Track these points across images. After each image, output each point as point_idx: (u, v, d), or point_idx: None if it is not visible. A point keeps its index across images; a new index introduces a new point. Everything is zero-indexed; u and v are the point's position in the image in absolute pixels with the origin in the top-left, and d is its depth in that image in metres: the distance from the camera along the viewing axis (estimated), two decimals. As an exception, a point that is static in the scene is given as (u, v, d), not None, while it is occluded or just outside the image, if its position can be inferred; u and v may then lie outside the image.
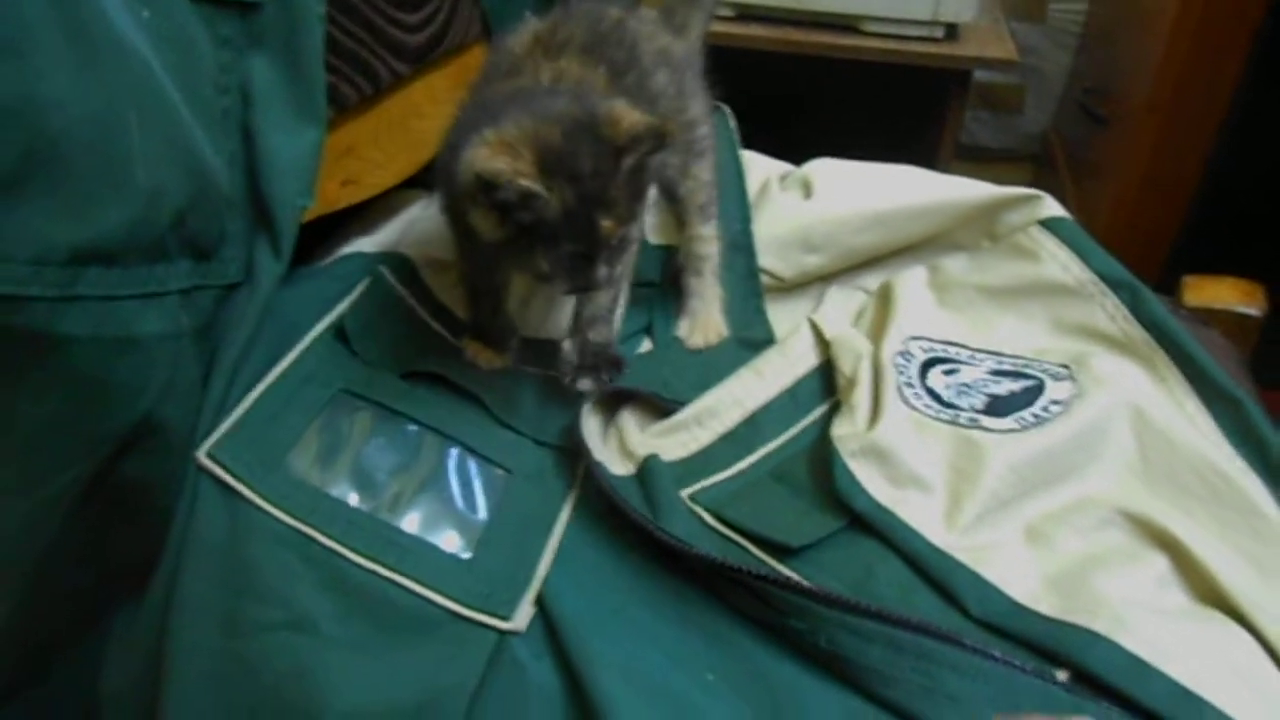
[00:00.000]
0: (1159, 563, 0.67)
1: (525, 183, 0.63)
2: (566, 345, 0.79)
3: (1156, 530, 0.68)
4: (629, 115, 0.68)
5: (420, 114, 0.90)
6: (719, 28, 1.79)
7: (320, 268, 0.85)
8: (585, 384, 0.77)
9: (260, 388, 0.71)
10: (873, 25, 1.76)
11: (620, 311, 0.86)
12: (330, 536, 0.64)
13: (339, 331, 0.78)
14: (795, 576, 0.65)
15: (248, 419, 0.69)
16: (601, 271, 0.70)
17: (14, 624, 0.67)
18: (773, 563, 0.68)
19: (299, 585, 0.63)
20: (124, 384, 0.61)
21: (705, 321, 0.88)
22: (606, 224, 0.67)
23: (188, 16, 0.65)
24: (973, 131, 2.33)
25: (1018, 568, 0.66)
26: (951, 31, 1.75)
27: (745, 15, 1.81)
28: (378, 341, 0.78)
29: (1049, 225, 0.90)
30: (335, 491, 0.68)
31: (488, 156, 0.64)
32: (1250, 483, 0.71)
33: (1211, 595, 0.64)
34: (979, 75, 2.26)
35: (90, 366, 0.59)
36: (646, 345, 0.89)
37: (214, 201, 0.67)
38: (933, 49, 1.73)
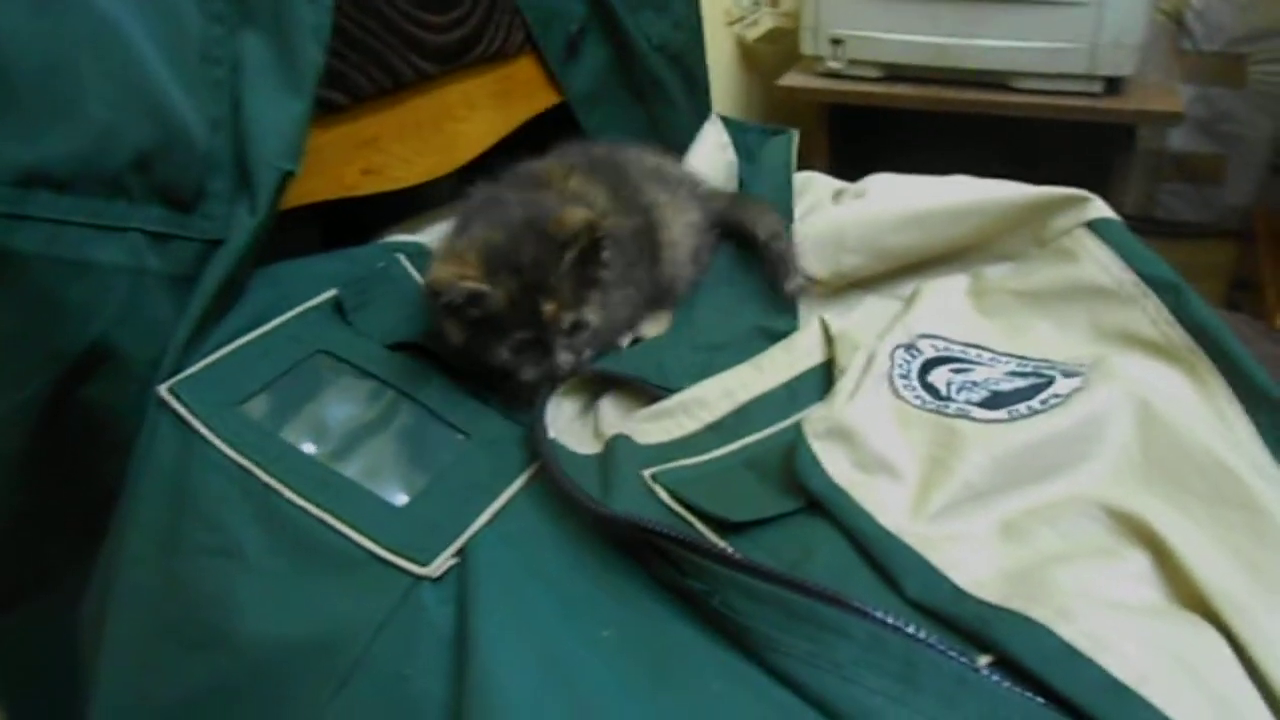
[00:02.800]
0: (1138, 560, 0.61)
1: (467, 284, 0.74)
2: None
3: (1141, 527, 0.62)
4: (572, 215, 0.77)
5: (454, 116, 0.97)
6: (865, 89, 1.81)
7: (341, 250, 0.92)
8: (565, 356, 0.80)
9: (238, 342, 0.77)
10: (1024, 81, 1.71)
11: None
12: (269, 473, 0.68)
13: (337, 304, 0.84)
14: (710, 539, 0.63)
15: (217, 364, 0.75)
16: (562, 357, 0.78)
17: (4, 533, 0.75)
18: (707, 532, 0.66)
19: (234, 515, 0.68)
20: (77, 305, 0.69)
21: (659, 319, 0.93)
22: (548, 308, 0.77)
23: None
24: (1169, 205, 2.19)
25: (974, 557, 0.62)
26: (1113, 85, 1.67)
27: (892, 76, 1.81)
28: (372, 312, 0.84)
29: (1095, 227, 0.84)
30: (287, 436, 0.72)
31: (436, 268, 0.76)
32: (1275, 489, 0.62)
33: (1193, 598, 0.57)
34: (1174, 144, 2.13)
35: (42, 284, 0.67)
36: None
37: (188, 155, 0.75)
38: (1090, 104, 1.66)
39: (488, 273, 0.75)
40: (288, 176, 0.79)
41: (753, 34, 2.05)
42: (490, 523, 0.68)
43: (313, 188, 0.83)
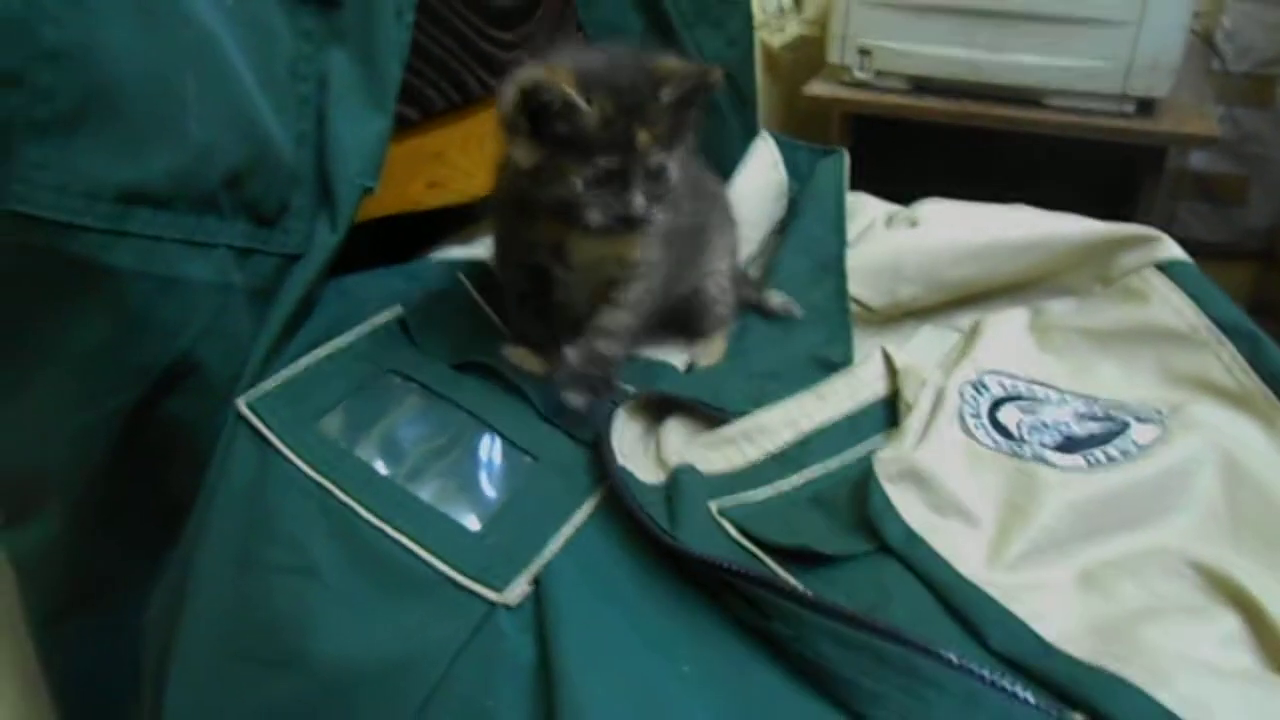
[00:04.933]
0: (1228, 621, 0.61)
1: (567, 89, 0.69)
2: (569, 351, 0.81)
3: (1232, 587, 0.62)
4: (676, 61, 0.74)
5: (516, 129, 0.95)
6: (891, 100, 1.81)
7: (401, 266, 0.92)
8: (575, 399, 0.78)
9: (311, 356, 0.77)
10: (1057, 99, 1.71)
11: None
12: (347, 493, 0.68)
13: (402, 323, 0.84)
14: (789, 580, 0.62)
15: (293, 380, 0.75)
16: (638, 200, 0.72)
17: (68, 543, 0.75)
18: (783, 574, 0.66)
19: (312, 533, 0.67)
20: (166, 320, 0.69)
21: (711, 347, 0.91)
22: (643, 136, 0.71)
23: (271, 9, 0.74)
24: (1189, 225, 2.19)
25: (1058, 609, 0.62)
26: (1146, 107, 1.67)
27: (920, 88, 1.81)
28: (437, 332, 0.84)
29: (1166, 268, 0.84)
30: (362, 455, 0.72)
31: (530, 71, 0.70)
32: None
33: (1287, 663, 0.57)
34: (1196, 164, 2.14)
35: (136, 299, 0.67)
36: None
37: (275, 171, 0.75)
38: (1123, 124, 1.66)
39: (584, 88, 0.70)
40: (367, 192, 0.78)
41: (778, 40, 2.05)
42: (563, 549, 0.68)
43: (380, 201, 0.82)
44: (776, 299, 0.95)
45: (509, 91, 0.71)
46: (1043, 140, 1.73)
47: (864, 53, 1.83)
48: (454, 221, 0.97)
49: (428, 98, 0.88)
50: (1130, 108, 1.66)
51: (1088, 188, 1.78)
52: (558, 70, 0.70)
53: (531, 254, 0.82)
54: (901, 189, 1.10)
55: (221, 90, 0.69)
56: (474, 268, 0.92)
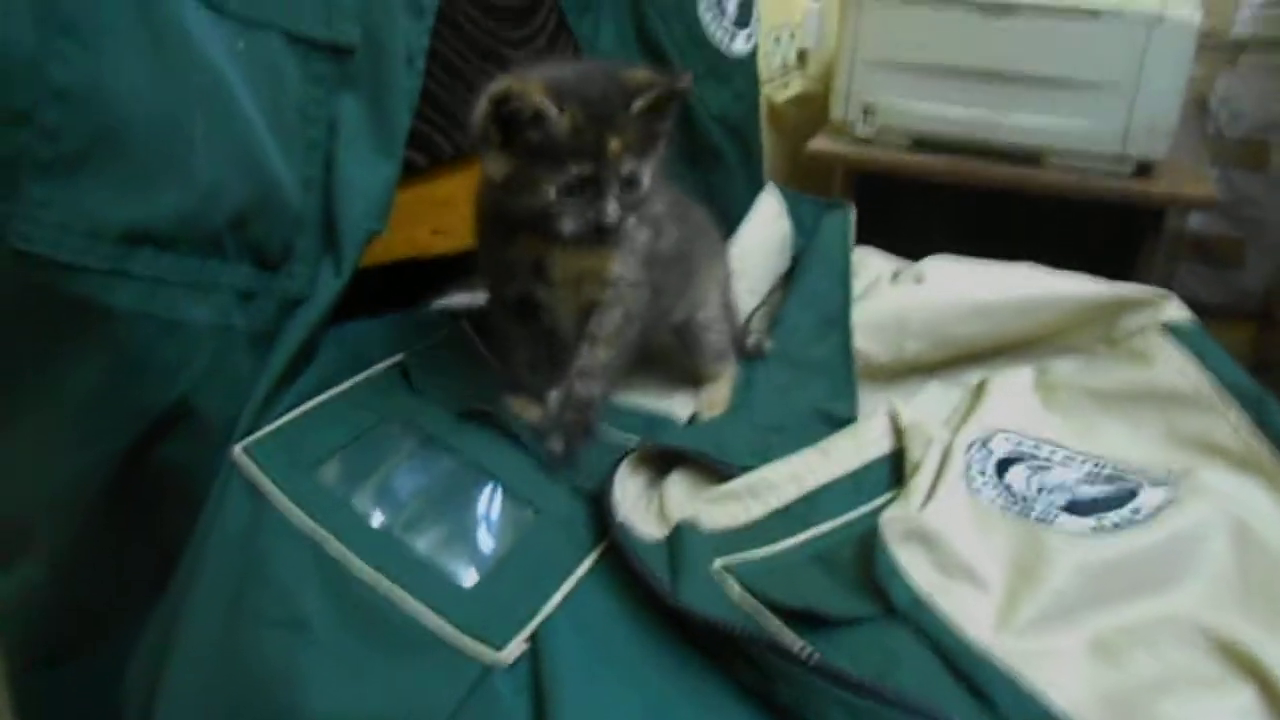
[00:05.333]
0: (1244, 694, 0.59)
1: (535, 98, 0.69)
2: (551, 395, 0.80)
3: (1245, 657, 0.60)
4: (646, 71, 0.75)
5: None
6: (893, 157, 1.82)
7: (403, 313, 0.92)
8: (555, 444, 0.78)
9: (310, 404, 0.76)
10: (1056, 159, 1.72)
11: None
12: (341, 543, 0.67)
13: (403, 370, 0.83)
14: (794, 643, 0.61)
15: (290, 426, 0.74)
16: (611, 207, 0.72)
17: (52, 590, 0.74)
18: (789, 637, 0.64)
19: (304, 585, 0.65)
20: (166, 363, 0.68)
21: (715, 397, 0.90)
22: (615, 143, 0.71)
23: (282, 53, 0.74)
24: (1188, 286, 2.20)
25: (1069, 677, 0.60)
26: (1144, 168, 1.68)
27: (922, 145, 1.82)
28: (438, 379, 0.83)
29: (1172, 330, 0.83)
30: (358, 504, 0.71)
31: (501, 82, 0.70)
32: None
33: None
34: (1194, 225, 2.15)
35: (135, 341, 0.66)
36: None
37: (280, 214, 0.74)
38: (1121, 185, 1.67)
39: (555, 96, 0.71)
40: (373, 237, 0.78)
41: (781, 96, 2.07)
42: (561, 606, 0.66)
43: (385, 247, 0.82)
44: (751, 340, 0.95)
45: (480, 103, 0.72)
46: (1043, 200, 1.74)
47: (867, 110, 1.84)
48: (459, 270, 0.96)
49: (436, 145, 0.88)
50: (1129, 169, 1.68)
51: (1087, 248, 1.78)
52: (529, 80, 0.71)
53: (514, 277, 0.81)
54: (902, 246, 1.10)
55: (229, 132, 0.69)
56: (477, 316, 0.92)
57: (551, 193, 0.73)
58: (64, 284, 0.63)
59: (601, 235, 0.75)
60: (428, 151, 0.87)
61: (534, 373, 0.84)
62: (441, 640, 0.62)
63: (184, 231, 0.67)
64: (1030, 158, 1.74)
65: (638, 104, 0.73)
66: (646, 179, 0.76)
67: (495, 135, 0.73)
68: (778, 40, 1.98)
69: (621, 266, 0.81)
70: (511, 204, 0.75)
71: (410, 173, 0.87)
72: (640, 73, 0.75)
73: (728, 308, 0.95)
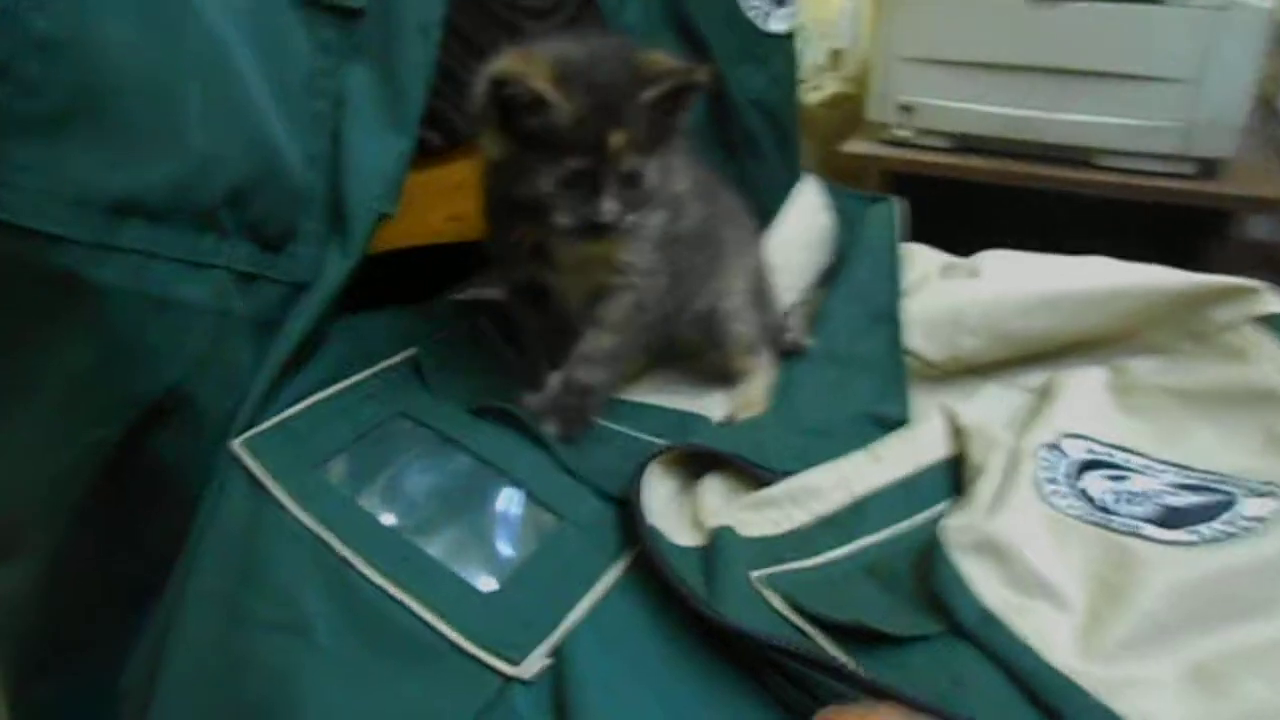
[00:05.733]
0: None
1: (536, 84, 0.64)
2: (553, 378, 0.76)
3: None
4: (664, 57, 0.68)
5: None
6: (934, 159, 1.75)
7: (418, 305, 0.87)
8: (550, 427, 0.73)
9: (316, 397, 0.71)
10: (1109, 159, 1.64)
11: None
12: (347, 544, 0.61)
13: (416, 365, 0.78)
14: (843, 659, 0.54)
15: (294, 421, 0.69)
16: (608, 206, 0.67)
17: (43, 592, 0.69)
18: (837, 654, 0.57)
19: (306, 588, 0.60)
20: (156, 347, 0.63)
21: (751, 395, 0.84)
22: (616, 138, 0.66)
23: (288, 18, 0.69)
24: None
25: (1169, 709, 0.53)
26: (1209, 168, 1.59)
27: (964, 146, 1.75)
28: (453, 374, 0.78)
29: (1272, 323, 0.75)
30: (365, 504, 0.66)
31: (503, 60, 0.65)
32: None
33: None
34: (1253, 232, 2.05)
35: (124, 321, 0.61)
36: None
37: (282, 191, 0.69)
38: (1183, 186, 1.58)
39: (559, 80, 0.65)
40: (383, 219, 0.73)
41: (815, 98, 2.01)
42: (586, 617, 0.60)
43: (397, 232, 0.77)
44: (789, 335, 0.89)
45: (480, 80, 0.66)
46: (1094, 204, 1.66)
47: (905, 109, 1.78)
48: (477, 259, 0.90)
49: (453, 124, 0.83)
50: (1190, 169, 1.59)
51: (1144, 255, 1.70)
52: (534, 60, 0.65)
53: (519, 260, 0.76)
54: (942, 251, 1.03)
55: (228, 100, 0.64)
56: (496, 309, 0.86)
57: (547, 184, 0.67)
58: (47, 257, 0.58)
59: (597, 233, 0.69)
60: (443, 131, 0.82)
61: (554, 368, 0.78)
62: (454, 651, 0.57)
63: (177, 204, 0.63)
64: (1081, 158, 1.66)
65: (648, 94, 0.67)
66: (653, 176, 0.70)
67: (494, 115, 0.67)
68: (810, 40, 1.92)
69: (631, 253, 0.75)
70: (506, 188, 0.70)
71: (425, 153, 0.82)
72: (659, 59, 0.69)
73: (760, 297, 0.89)
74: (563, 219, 0.68)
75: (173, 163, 0.62)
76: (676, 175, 0.75)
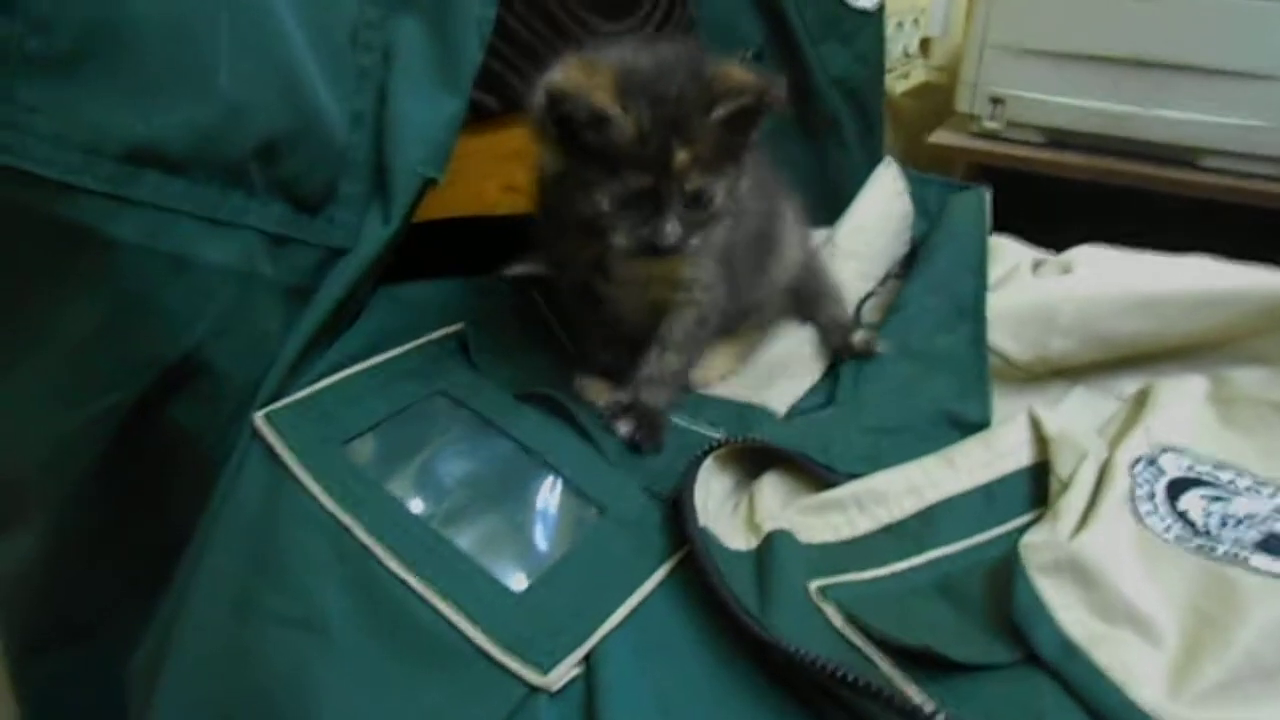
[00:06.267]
0: None
1: (596, 99, 0.59)
2: (618, 394, 0.72)
3: None
4: (741, 71, 0.63)
5: (610, 135, 0.86)
6: (1025, 154, 1.67)
7: (468, 279, 0.83)
8: (624, 428, 0.69)
9: (349, 370, 0.67)
10: (1213, 160, 1.55)
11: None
12: (369, 531, 0.58)
13: (461, 342, 0.74)
14: (908, 694, 0.49)
15: (324, 395, 0.65)
16: (669, 228, 0.62)
17: (49, 564, 0.67)
18: (902, 683, 0.52)
19: (323, 579, 0.57)
20: (173, 309, 0.60)
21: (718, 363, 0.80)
22: (682, 155, 0.61)
23: None
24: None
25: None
26: (1322, 173, 1.49)
27: (1057, 142, 1.67)
28: (500, 354, 0.74)
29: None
30: (394, 489, 0.62)
31: (562, 71, 0.61)
32: None
33: None
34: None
35: (139, 279, 0.58)
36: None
37: (322, 149, 0.66)
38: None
39: (621, 94, 0.61)
40: (429, 184, 0.69)
41: (901, 87, 1.94)
42: (623, 624, 0.56)
43: (449, 201, 0.73)
44: (859, 336, 0.83)
45: (538, 91, 0.62)
46: (1195, 206, 1.57)
47: (996, 101, 1.71)
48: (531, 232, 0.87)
49: (511, 86, 0.79)
50: (1301, 173, 1.49)
51: (1247, 261, 1.60)
52: (596, 69, 0.61)
53: (574, 266, 0.72)
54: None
55: (261, 43, 0.60)
56: (549, 285, 0.82)
57: (605, 203, 0.63)
58: (58, 207, 0.54)
59: (658, 255, 0.64)
60: (500, 94, 0.78)
61: (610, 354, 0.74)
62: (478, 655, 0.53)
63: (200, 153, 0.59)
64: (1183, 158, 1.57)
65: (718, 112, 0.62)
66: (720, 197, 0.65)
67: (551, 129, 0.63)
68: (900, 26, 1.86)
69: (695, 269, 0.71)
70: (563, 203, 0.66)
71: (479, 117, 0.78)
72: (731, 74, 0.63)
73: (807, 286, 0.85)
74: (621, 240, 0.64)
75: (196, 108, 0.58)
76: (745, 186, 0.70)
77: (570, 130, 0.61)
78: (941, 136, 1.78)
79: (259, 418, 0.62)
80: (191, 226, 0.59)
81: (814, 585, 0.59)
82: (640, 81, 0.61)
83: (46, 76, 0.53)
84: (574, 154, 0.62)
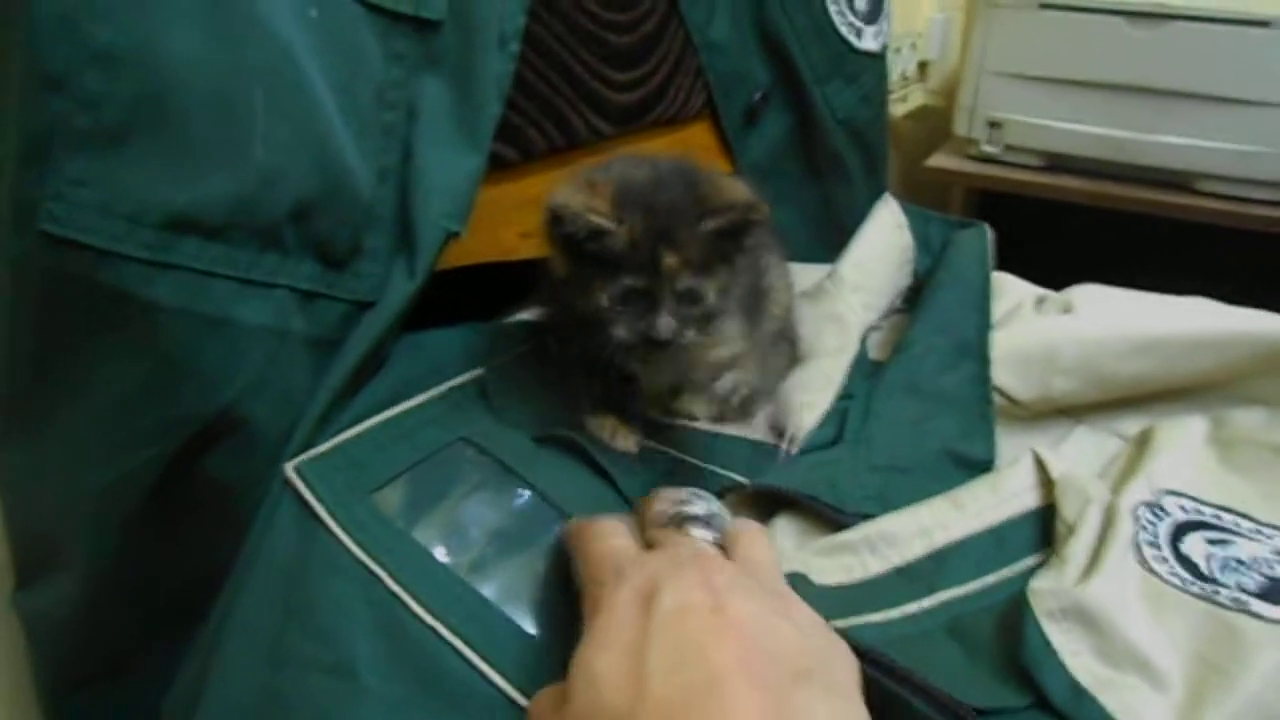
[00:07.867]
0: None
1: (594, 217, 0.65)
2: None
3: None
4: (733, 186, 0.70)
5: (623, 179, 0.87)
6: (1023, 178, 1.70)
7: (487, 323, 0.84)
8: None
9: (376, 419, 0.69)
10: (1210, 185, 1.57)
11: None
12: (398, 580, 0.59)
13: (482, 387, 0.76)
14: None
15: (351, 444, 0.67)
16: (664, 322, 0.67)
17: (86, 609, 0.68)
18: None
19: (353, 625, 0.58)
20: (210, 369, 0.61)
21: None
22: (670, 260, 0.66)
23: (360, 26, 0.68)
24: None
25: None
26: (1320, 198, 1.52)
27: (1055, 166, 1.70)
28: (518, 399, 0.75)
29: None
30: (420, 537, 0.63)
31: (564, 192, 0.67)
32: None
33: None
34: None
35: (177, 342, 0.60)
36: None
37: (350, 207, 0.68)
38: (1293, 215, 1.51)
39: (617, 207, 0.67)
40: (452, 237, 0.71)
41: (899, 110, 1.96)
42: None
43: (467, 248, 0.75)
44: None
45: (544, 210, 0.68)
46: (1192, 229, 1.59)
47: (994, 125, 1.73)
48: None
49: (528, 138, 0.81)
50: (1299, 197, 1.52)
51: (1245, 286, 1.62)
52: (596, 188, 0.67)
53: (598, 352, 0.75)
54: (1025, 277, 0.99)
55: (295, 111, 0.62)
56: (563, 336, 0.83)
57: (604, 299, 0.68)
58: (99, 273, 0.56)
59: (655, 347, 0.69)
60: (518, 145, 0.80)
61: (626, 397, 0.76)
62: (505, 703, 0.55)
63: (237, 219, 0.61)
64: (1181, 183, 1.59)
65: (707, 225, 0.68)
66: (712, 296, 0.70)
67: (555, 241, 0.69)
68: (898, 50, 1.88)
69: (724, 349, 0.76)
70: (569, 300, 0.71)
71: (498, 167, 0.80)
72: (724, 190, 0.69)
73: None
74: (620, 333, 0.68)
75: (234, 176, 0.60)
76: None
77: (573, 241, 0.67)
78: (939, 160, 1.81)
79: (289, 468, 0.63)
80: (227, 288, 0.61)
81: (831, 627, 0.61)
82: (635, 194, 0.67)
83: (92, 151, 0.55)
84: (576, 260, 0.68)
